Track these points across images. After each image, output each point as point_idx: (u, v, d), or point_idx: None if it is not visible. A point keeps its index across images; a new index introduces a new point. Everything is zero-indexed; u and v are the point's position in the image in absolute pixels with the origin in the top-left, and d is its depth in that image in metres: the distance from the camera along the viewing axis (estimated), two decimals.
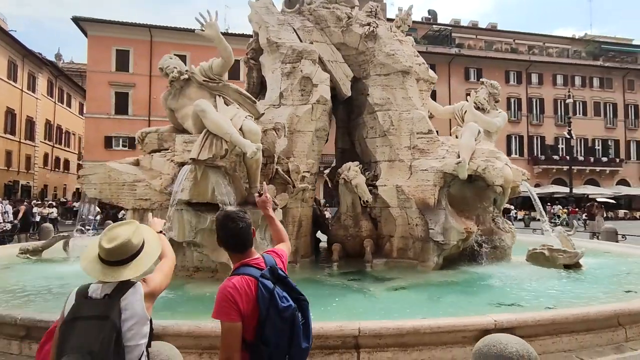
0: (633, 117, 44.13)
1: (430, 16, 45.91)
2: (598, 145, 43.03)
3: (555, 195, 36.53)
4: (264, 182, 5.32)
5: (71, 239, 8.78)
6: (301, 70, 8.01)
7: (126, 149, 30.80)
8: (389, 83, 8.49)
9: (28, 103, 36.61)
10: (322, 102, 8.04)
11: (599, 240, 12.40)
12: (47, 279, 6.54)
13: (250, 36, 9.68)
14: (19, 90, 35.07)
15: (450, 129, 9.93)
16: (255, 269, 2.22)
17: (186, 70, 6.99)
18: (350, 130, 9.55)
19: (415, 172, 7.91)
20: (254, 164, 6.49)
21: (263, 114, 7.46)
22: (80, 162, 37.84)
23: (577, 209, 30.78)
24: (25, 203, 20.63)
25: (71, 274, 6.72)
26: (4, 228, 16.05)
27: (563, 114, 40.69)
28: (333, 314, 4.72)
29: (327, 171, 9.78)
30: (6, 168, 33.64)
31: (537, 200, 9.25)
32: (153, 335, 2.20)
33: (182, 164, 6.38)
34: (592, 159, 42.08)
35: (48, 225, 14.30)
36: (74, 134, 47.15)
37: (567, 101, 30.91)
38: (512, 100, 40.81)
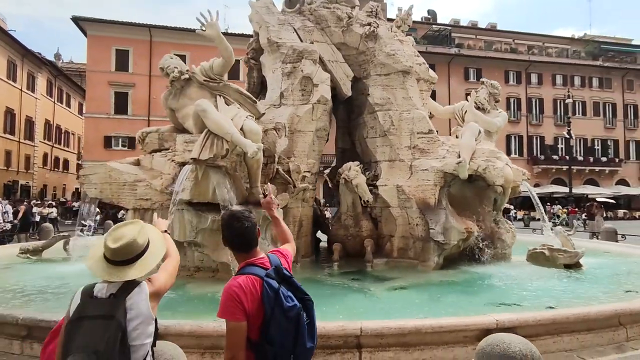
0: (632, 117, 44.17)
1: (429, 16, 45.91)
2: (597, 145, 43.06)
3: (554, 195, 36.55)
4: (268, 184, 5.32)
5: (71, 239, 8.78)
6: (302, 70, 8.01)
7: (125, 148, 30.81)
8: (390, 83, 8.49)
9: (27, 103, 36.56)
10: (323, 102, 8.04)
11: (598, 240, 12.43)
12: (48, 279, 6.54)
13: (250, 36, 9.69)
14: (18, 90, 35.02)
15: (450, 129, 9.94)
16: (260, 268, 2.22)
17: (187, 70, 6.99)
18: (350, 130, 9.55)
19: (416, 172, 7.92)
20: (255, 164, 6.50)
21: (264, 113, 7.47)
22: (80, 162, 37.82)
23: (576, 209, 30.80)
24: (25, 203, 20.62)
25: (71, 274, 6.73)
26: (4, 228, 16.04)
27: (562, 114, 40.73)
28: (334, 313, 4.72)
29: (327, 171, 9.79)
30: (5, 168, 33.61)
31: (538, 200, 9.26)
32: (158, 335, 2.20)
33: (183, 164, 6.39)
34: (591, 159, 42.11)
35: (48, 225, 14.29)
36: (73, 134, 47.11)
37: (567, 101, 30.92)
38: (512, 100, 40.83)
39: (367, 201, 7.95)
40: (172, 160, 6.72)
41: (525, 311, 4.60)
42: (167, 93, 7.23)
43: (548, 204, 33.37)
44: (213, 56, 7.08)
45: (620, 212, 38.42)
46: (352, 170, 7.88)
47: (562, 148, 41.55)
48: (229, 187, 6.17)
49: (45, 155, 40.44)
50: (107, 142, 31.56)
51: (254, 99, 7.41)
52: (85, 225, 8.02)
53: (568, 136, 29.76)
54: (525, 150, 41.13)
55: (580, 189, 37.48)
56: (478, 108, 8.89)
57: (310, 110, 7.93)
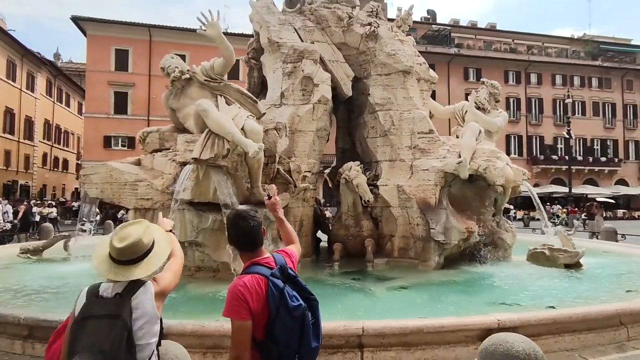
0: (632, 117, 44.22)
1: (429, 16, 45.91)
2: (597, 145, 43.11)
3: (554, 195, 36.59)
4: (272, 185, 5.34)
5: (72, 239, 8.77)
6: (302, 70, 8.01)
7: (125, 148, 30.79)
8: (390, 83, 8.50)
9: (27, 102, 36.54)
10: (323, 102, 8.05)
11: (598, 240, 12.44)
12: (48, 279, 6.54)
13: (251, 36, 9.69)
14: (17, 89, 35.01)
15: (450, 129, 9.95)
16: (265, 267, 2.23)
17: (187, 70, 6.99)
18: (351, 130, 9.55)
19: (416, 171, 7.92)
20: (256, 164, 6.50)
21: (264, 113, 7.47)
22: (79, 162, 37.79)
23: (576, 209, 30.85)
24: (24, 203, 20.62)
25: (72, 274, 6.74)
26: (4, 228, 16.04)
27: (562, 113, 40.74)
28: (334, 313, 4.72)
29: (327, 171, 9.79)
30: (5, 168, 33.60)
31: (538, 200, 9.27)
32: (163, 334, 2.20)
33: (183, 164, 6.39)
34: (590, 159, 42.16)
35: (48, 225, 14.30)
36: (72, 134, 47.10)
37: (566, 101, 30.95)
38: (511, 100, 40.85)
39: (368, 201, 7.95)
40: (173, 160, 6.72)
41: (526, 311, 4.61)
42: (168, 93, 7.23)
43: (548, 203, 33.41)
44: (213, 56, 7.08)
45: (620, 212, 38.47)
46: (353, 170, 7.88)
47: (561, 148, 41.60)
48: (230, 187, 6.18)
49: (44, 155, 40.43)
50: (107, 142, 31.54)
51: (255, 98, 7.41)
52: (85, 226, 8.02)
53: (567, 136, 29.79)
54: (524, 150, 41.17)
55: (579, 189, 37.51)
56: (478, 108, 8.89)
57: (311, 110, 7.93)
